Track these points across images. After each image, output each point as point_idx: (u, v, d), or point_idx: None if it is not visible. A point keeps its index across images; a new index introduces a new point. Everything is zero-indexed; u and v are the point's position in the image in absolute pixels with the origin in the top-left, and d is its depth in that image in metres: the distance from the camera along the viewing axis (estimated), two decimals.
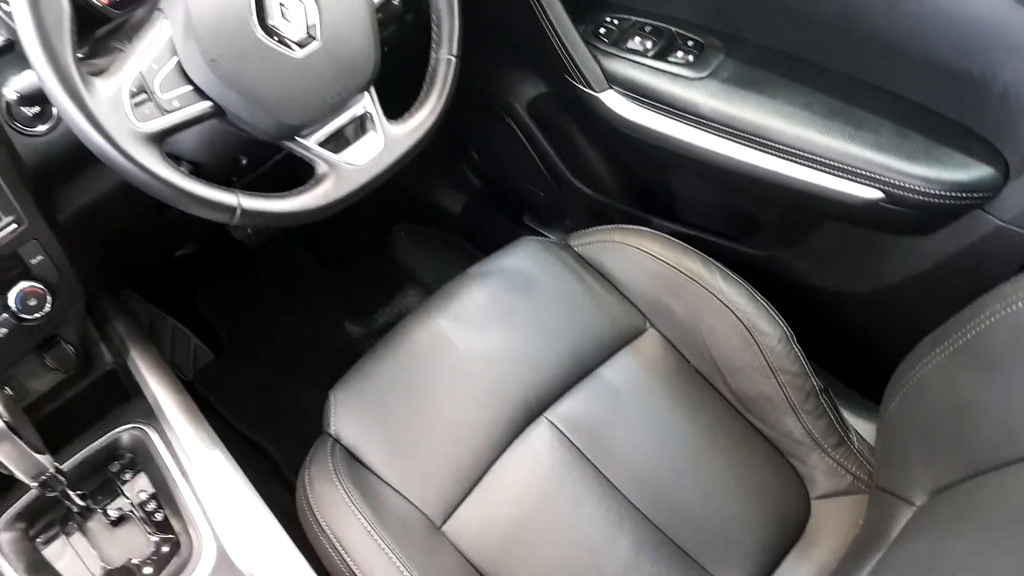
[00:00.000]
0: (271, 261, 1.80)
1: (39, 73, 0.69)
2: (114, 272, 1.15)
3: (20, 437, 0.79)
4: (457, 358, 1.03)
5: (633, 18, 1.14)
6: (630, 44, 1.11)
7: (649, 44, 1.10)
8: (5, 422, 0.77)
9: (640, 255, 1.10)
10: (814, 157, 0.96)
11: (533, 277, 1.10)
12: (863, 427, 1.05)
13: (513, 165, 1.53)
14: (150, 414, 0.98)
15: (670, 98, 1.05)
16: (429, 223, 1.85)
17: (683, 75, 1.05)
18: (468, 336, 1.05)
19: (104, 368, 1.11)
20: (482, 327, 1.05)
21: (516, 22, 1.16)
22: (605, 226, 1.17)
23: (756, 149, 1.00)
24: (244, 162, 1.01)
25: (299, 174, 0.91)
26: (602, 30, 1.14)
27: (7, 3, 0.81)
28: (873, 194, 0.94)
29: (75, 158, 0.89)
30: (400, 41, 1.07)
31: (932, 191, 0.90)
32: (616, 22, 1.14)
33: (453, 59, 0.92)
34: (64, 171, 0.90)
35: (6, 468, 0.81)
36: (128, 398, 1.07)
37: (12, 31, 0.82)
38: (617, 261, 1.12)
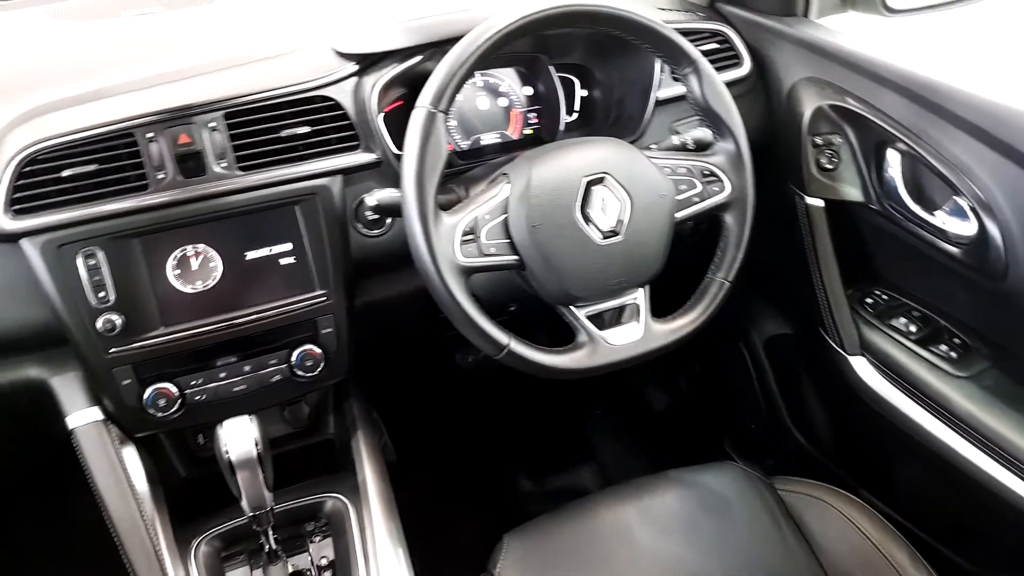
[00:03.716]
0: (473, 392, 1.91)
1: (406, 199, 0.85)
2: (369, 359, 1.30)
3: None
4: (634, 553, 1.04)
5: (903, 299, 1.17)
6: (894, 321, 1.14)
7: (914, 328, 1.12)
8: (259, 452, 0.89)
9: (846, 524, 1.07)
10: None
11: (730, 504, 1.09)
12: None
13: (731, 390, 1.55)
14: (354, 492, 1.08)
15: (923, 386, 1.05)
16: (627, 411, 1.89)
17: (943, 368, 1.06)
18: (651, 536, 1.05)
19: (324, 436, 1.25)
20: (667, 533, 1.06)
21: (787, 266, 1.23)
22: (816, 481, 1.15)
23: (1005, 467, 0.96)
24: (512, 309, 1.13)
25: (552, 332, 1.01)
26: (869, 300, 1.18)
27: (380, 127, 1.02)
28: None
29: (388, 262, 1.06)
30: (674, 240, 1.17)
31: None
32: (885, 297, 1.18)
33: (727, 284, 1.00)
34: (375, 269, 1.07)
35: (237, 491, 0.92)
36: (335, 471, 1.18)
37: (384, 153, 1.02)
38: (819, 522, 1.09)
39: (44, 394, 0.99)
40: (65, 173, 0.90)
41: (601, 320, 0.95)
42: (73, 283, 0.90)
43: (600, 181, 0.92)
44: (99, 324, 0.91)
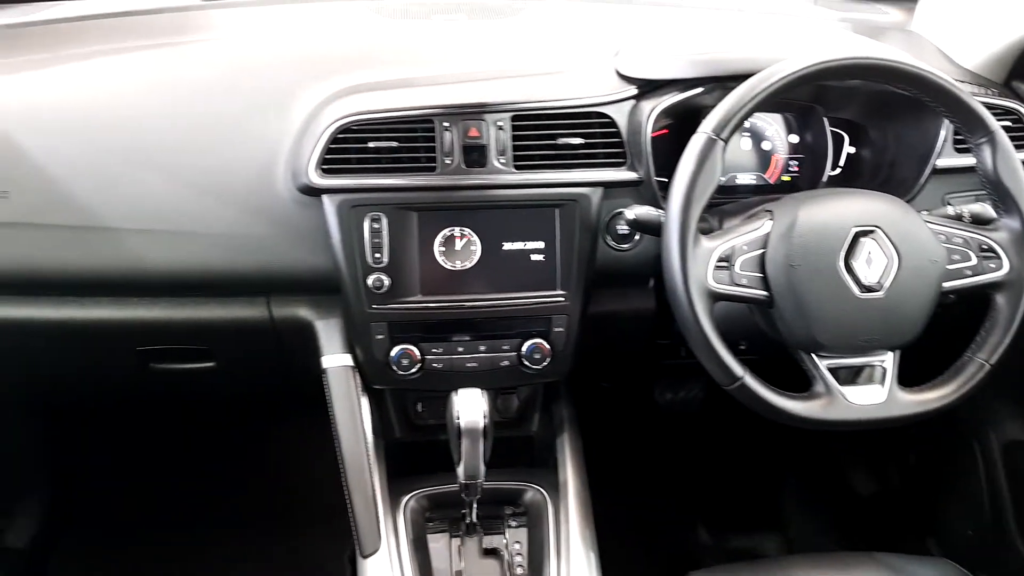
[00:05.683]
0: (664, 431, 1.89)
1: (671, 216, 0.88)
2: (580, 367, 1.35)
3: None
4: None
5: None
6: None
7: None
8: (485, 424, 0.95)
9: None
10: None
11: None
12: None
13: (955, 491, 1.43)
14: (555, 488, 1.11)
15: None
16: (826, 488, 1.79)
17: None
18: None
19: (526, 432, 1.30)
20: None
21: None
22: None
23: None
24: (742, 347, 1.12)
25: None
26: None
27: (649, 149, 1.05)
28: None
29: (627, 277, 1.10)
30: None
31: None
32: None
33: (987, 366, 0.93)
34: (613, 282, 1.11)
35: (457, 457, 0.99)
36: (531, 464, 1.22)
37: (647, 174, 1.06)
38: None
39: (308, 334, 1.11)
40: (370, 144, 1.02)
41: (837, 375, 0.93)
42: (356, 241, 1.02)
43: (869, 233, 0.90)
44: (370, 281, 1.02)
